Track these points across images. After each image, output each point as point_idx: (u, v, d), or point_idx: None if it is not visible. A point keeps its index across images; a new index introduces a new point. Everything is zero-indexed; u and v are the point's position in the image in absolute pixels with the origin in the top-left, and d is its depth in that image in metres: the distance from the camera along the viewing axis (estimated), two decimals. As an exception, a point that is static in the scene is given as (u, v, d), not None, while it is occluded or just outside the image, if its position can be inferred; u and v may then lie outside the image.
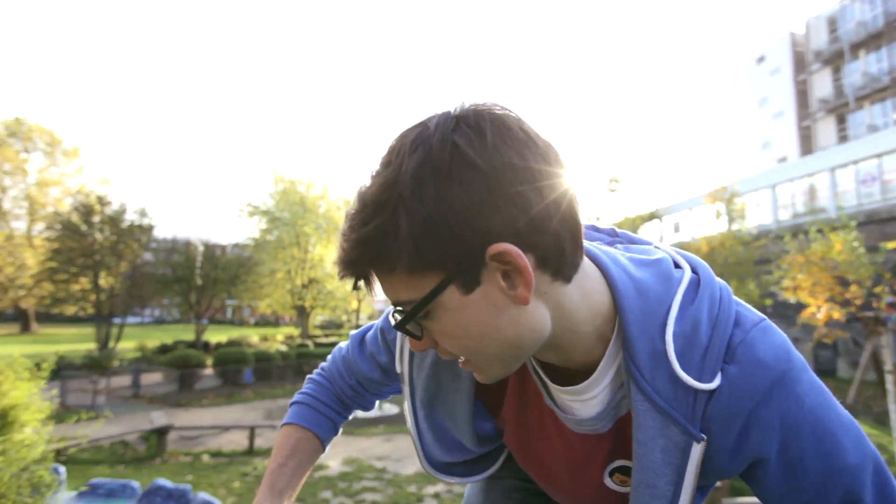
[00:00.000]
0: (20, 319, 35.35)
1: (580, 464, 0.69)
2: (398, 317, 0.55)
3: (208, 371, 16.78)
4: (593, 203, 35.73)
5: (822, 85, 36.28)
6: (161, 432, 8.64)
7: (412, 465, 8.39)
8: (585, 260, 0.58)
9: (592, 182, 36.09)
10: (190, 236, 28.00)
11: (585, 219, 0.60)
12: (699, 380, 0.55)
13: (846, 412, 0.57)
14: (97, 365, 17.30)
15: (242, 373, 15.92)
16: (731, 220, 15.51)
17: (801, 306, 8.20)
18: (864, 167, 21.42)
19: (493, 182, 0.48)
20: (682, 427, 0.56)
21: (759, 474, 0.58)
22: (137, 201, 54.70)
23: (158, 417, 9.42)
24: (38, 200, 32.19)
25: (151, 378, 16.79)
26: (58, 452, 3.61)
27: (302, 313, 29.22)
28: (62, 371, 14.24)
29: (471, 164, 0.48)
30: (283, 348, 21.04)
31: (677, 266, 0.64)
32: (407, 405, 0.79)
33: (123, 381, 16.15)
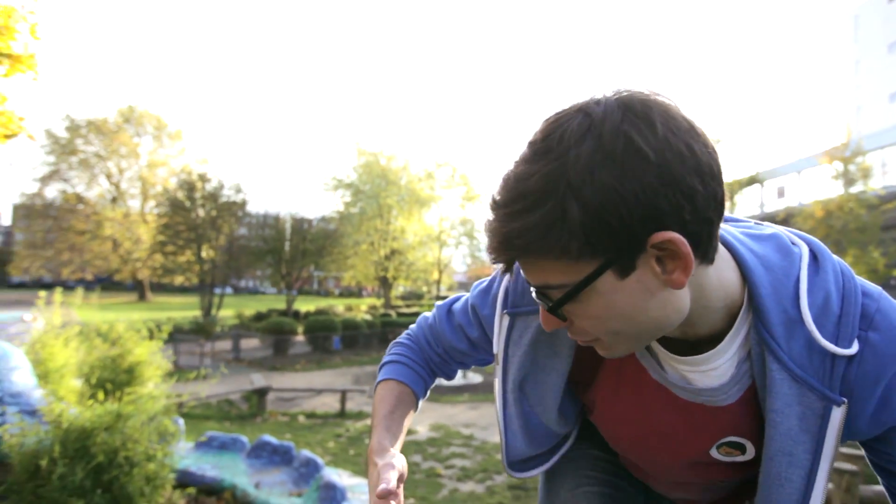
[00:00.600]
0: (137, 289, 39.19)
1: (689, 435, 0.69)
2: (545, 299, 0.56)
3: (300, 338, 17.69)
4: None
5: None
6: (261, 393, 9.16)
7: (498, 432, 8.33)
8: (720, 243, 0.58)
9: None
10: (280, 211, 29.44)
11: None
12: (837, 345, 0.57)
13: None
14: (202, 330, 18.77)
15: (331, 340, 16.61)
16: (852, 182, 13.78)
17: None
18: None
19: (663, 171, 0.48)
20: (820, 393, 0.58)
21: (893, 437, 0.60)
22: (232, 178, 58.44)
23: (258, 379, 9.99)
24: (148, 180, 35.26)
25: (249, 343, 17.97)
26: (178, 406, 3.83)
27: (384, 284, 30.06)
28: (174, 335, 15.57)
29: (643, 154, 0.48)
30: (368, 317, 21.77)
31: (792, 242, 0.65)
32: (497, 388, 0.79)
33: (225, 345, 17.42)
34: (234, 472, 3.99)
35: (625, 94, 0.52)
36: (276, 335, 15.99)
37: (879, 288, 0.61)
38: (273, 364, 14.63)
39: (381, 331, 18.61)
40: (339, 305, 32.26)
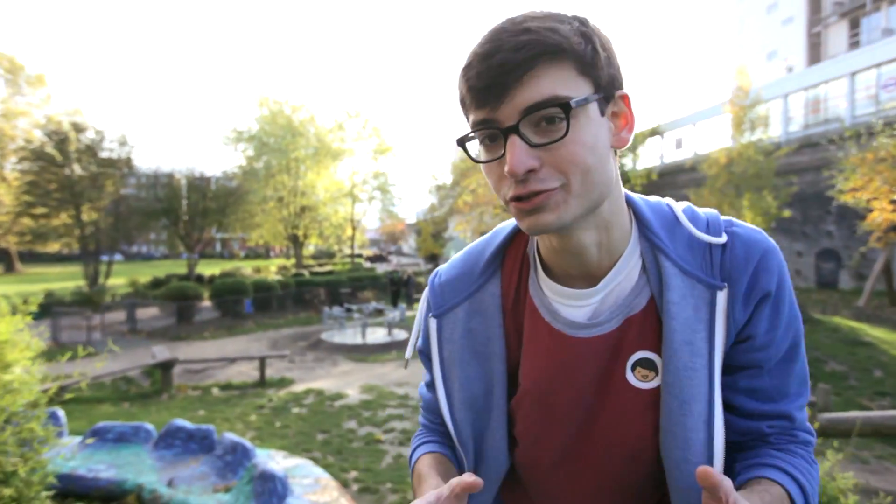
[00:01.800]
0: (3, 259, 34.30)
1: (604, 371, 0.70)
2: (543, 121, 0.58)
3: (206, 303, 16.22)
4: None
5: (836, -14, 34.03)
6: (165, 366, 8.10)
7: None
8: None
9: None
10: (174, 167, 26.45)
11: None
12: (712, 235, 0.67)
13: None
14: (89, 301, 16.67)
15: (242, 304, 15.37)
16: (752, 129, 14.57)
17: (856, 214, 7.57)
18: (886, 70, 20.28)
19: (613, 50, 0.63)
20: (706, 282, 0.65)
21: (757, 315, 0.65)
22: (116, 130, 51.90)
23: (161, 351, 8.85)
24: (5, 133, 30.19)
25: (147, 312, 16.21)
26: (59, 391, 2.93)
27: (295, 243, 28.50)
28: (52, 308, 13.56)
29: (600, 34, 0.62)
30: (280, 278, 20.49)
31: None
32: (444, 409, 0.77)
33: (118, 316, 15.57)
34: (139, 469, 3.23)
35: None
36: (178, 302, 14.46)
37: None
38: (177, 333, 13.26)
39: (296, 291, 17.54)
40: (246, 267, 30.26)
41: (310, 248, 48.41)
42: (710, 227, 0.68)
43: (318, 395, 7.77)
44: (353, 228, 32.87)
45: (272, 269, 31.96)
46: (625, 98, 0.63)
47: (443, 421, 0.81)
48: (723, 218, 0.70)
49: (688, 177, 23.41)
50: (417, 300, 20.56)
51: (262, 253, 61.42)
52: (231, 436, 3.49)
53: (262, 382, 8.46)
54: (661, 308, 0.67)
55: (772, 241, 0.67)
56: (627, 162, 32.97)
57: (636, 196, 0.72)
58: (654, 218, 0.69)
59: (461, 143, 0.63)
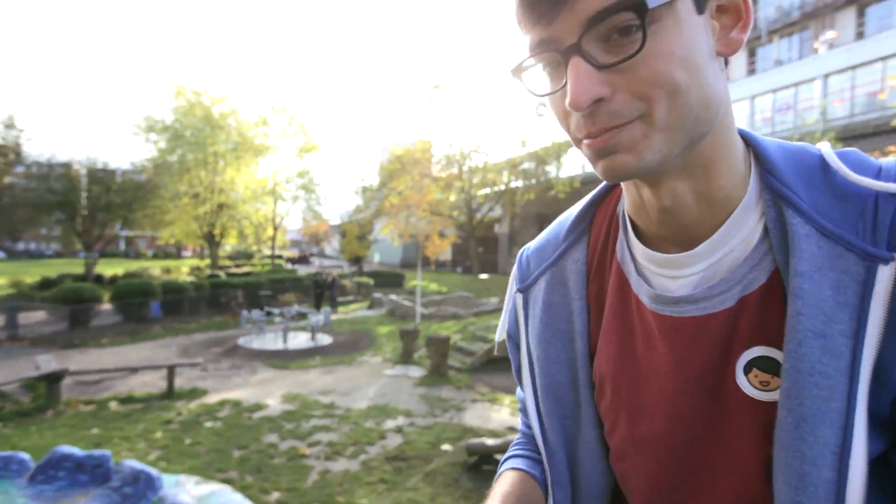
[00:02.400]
0: None
1: (705, 368, 0.51)
2: (614, 29, 0.42)
3: (106, 306, 14.68)
4: (520, 129, 35.29)
5: (735, 17, 37.00)
6: (52, 378, 7.08)
7: (362, 397, 7.61)
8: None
9: (520, 108, 35.39)
10: (72, 157, 23.86)
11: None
12: (884, 179, 0.46)
13: None
14: (-40, 304, 14.56)
15: (149, 307, 14.04)
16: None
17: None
18: (780, 96, 22.32)
19: None
20: (860, 250, 0.45)
21: None
22: (1, 112, 46.29)
23: (46, 361, 7.78)
24: None
25: (33, 317, 14.41)
26: None
27: (211, 242, 26.75)
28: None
29: None
30: (193, 279, 19.04)
31: None
32: (530, 401, 0.66)
33: (-3, 320, 13.71)
34: (7, 509, 2.64)
35: None
36: (72, 305, 12.93)
37: None
38: (70, 340, 11.84)
39: (211, 293, 16.34)
40: (154, 268, 28.01)
41: (226, 248, 45.87)
42: (882, 173, 0.47)
43: (235, 406, 7.12)
44: (275, 228, 31.43)
45: (184, 270, 29.83)
46: None
47: None
48: None
49: None
50: (342, 304, 19.97)
51: (173, 253, 57.40)
52: (132, 463, 2.96)
53: (171, 394, 7.64)
54: (787, 285, 0.47)
55: None
56: (552, 169, 34.11)
57: (750, 132, 0.53)
58: (784, 160, 0.50)
59: (517, 73, 0.49)
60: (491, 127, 34.85)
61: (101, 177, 21.90)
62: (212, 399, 7.49)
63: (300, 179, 30.66)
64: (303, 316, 14.13)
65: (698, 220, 0.51)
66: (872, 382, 0.44)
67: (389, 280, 25.47)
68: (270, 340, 11.90)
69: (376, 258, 53.49)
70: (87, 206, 21.81)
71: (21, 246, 54.79)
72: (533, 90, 0.49)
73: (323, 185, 31.88)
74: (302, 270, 31.97)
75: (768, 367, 0.49)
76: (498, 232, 41.49)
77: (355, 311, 18.35)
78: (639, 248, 0.56)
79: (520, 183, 34.03)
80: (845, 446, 0.44)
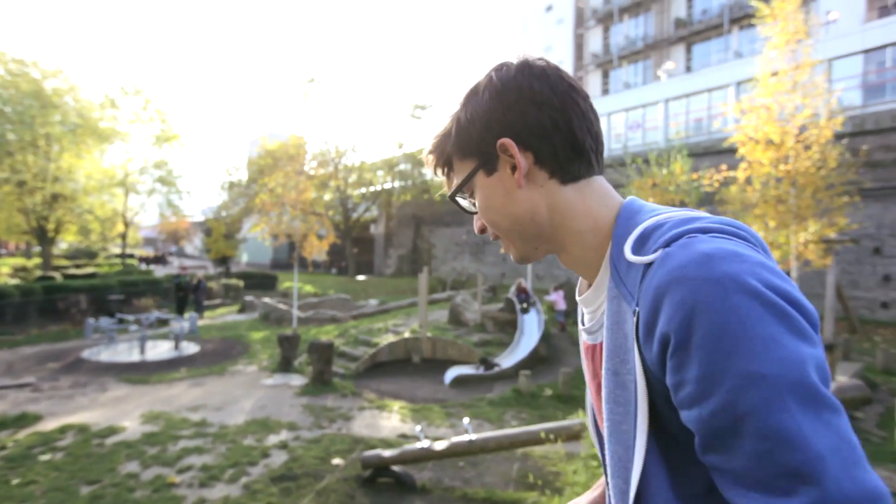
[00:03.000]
0: None
1: (597, 381, 0.71)
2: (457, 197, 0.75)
3: None
4: (396, 130, 35.30)
5: (594, 41, 40.83)
6: None
7: (238, 411, 6.99)
8: (606, 188, 0.70)
9: (396, 109, 35.43)
10: None
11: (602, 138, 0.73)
12: (640, 255, 0.59)
13: (783, 334, 0.48)
14: None
15: (-43, 316, 11.60)
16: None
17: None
18: (631, 115, 24.92)
19: (502, 98, 0.68)
20: (628, 298, 0.59)
21: (667, 362, 0.53)
22: None
23: None
24: None
25: None
26: None
27: (43, 238, 22.97)
28: None
29: (492, 85, 0.69)
30: (17, 282, 16.14)
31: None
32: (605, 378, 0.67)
33: None
34: None
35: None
36: None
37: (714, 232, 0.56)
38: None
39: (44, 298, 13.98)
40: (-37, 268, 23.39)
41: (61, 246, 39.72)
42: (652, 241, 0.59)
43: (81, 431, 6.11)
44: (126, 224, 27.95)
45: (4, 272, 25.27)
46: (505, 144, 0.67)
47: None
48: (694, 229, 0.57)
49: None
50: (209, 308, 18.31)
51: (-11, 250, 48.46)
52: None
53: (-9, 422, 6.34)
54: None
55: (725, 266, 0.50)
56: (428, 172, 34.60)
57: (636, 208, 0.67)
58: (620, 235, 0.65)
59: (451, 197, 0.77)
60: (367, 126, 34.40)
61: None
62: (48, 425, 6.36)
63: (157, 171, 27.58)
64: (163, 322, 12.69)
65: (587, 272, 0.71)
66: (664, 405, 0.56)
67: (261, 282, 23.96)
68: (124, 352, 10.47)
69: (244, 258, 50.07)
70: None
71: None
72: (469, 209, 0.76)
73: (184, 178, 28.88)
74: (160, 271, 28.79)
75: None
76: (374, 233, 41.13)
77: (224, 315, 16.94)
78: (581, 286, 0.76)
79: (396, 184, 34.05)
80: (630, 459, 0.59)
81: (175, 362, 9.95)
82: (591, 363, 0.72)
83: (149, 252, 55.58)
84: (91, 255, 41.79)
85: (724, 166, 7.82)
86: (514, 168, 0.68)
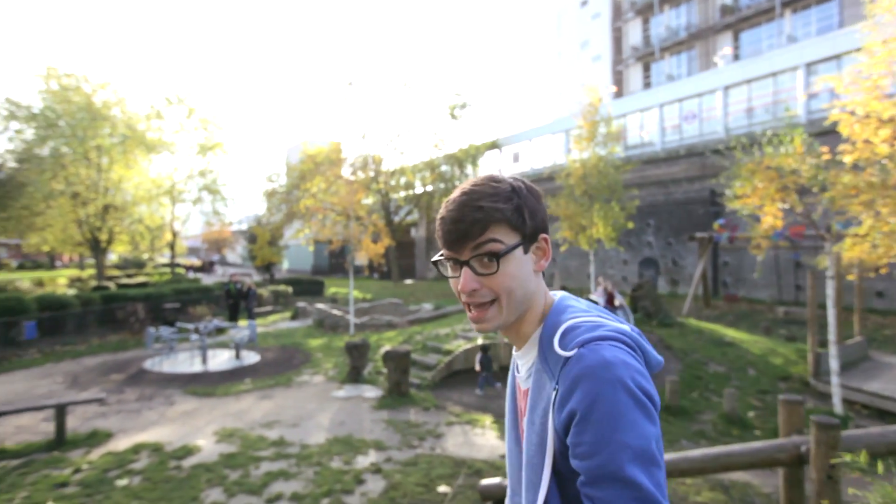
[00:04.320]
0: None
1: (521, 417, 1.00)
2: (484, 255, 0.90)
3: (-40, 329, 11.85)
4: (435, 131, 34.74)
5: (634, 33, 39.40)
6: None
7: (315, 427, 6.40)
8: (542, 281, 0.99)
9: (435, 109, 34.89)
10: None
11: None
12: (563, 349, 0.85)
13: (641, 419, 0.77)
14: None
15: (20, 327, 11.49)
16: (604, 143, 15.45)
17: (670, 227, 7.90)
18: (686, 105, 23.65)
19: (541, 203, 0.98)
20: (550, 379, 0.86)
21: (571, 428, 0.80)
22: None
23: None
24: None
25: None
26: None
27: (97, 249, 23.26)
28: None
29: (535, 192, 0.98)
30: (73, 292, 16.18)
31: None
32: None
33: None
34: None
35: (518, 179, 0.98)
36: None
37: (612, 340, 0.84)
38: None
39: (103, 308, 13.87)
40: (22, 280, 23.92)
41: (111, 257, 40.65)
42: (573, 340, 0.84)
43: (155, 451, 5.61)
44: (174, 233, 28.21)
45: (61, 283, 25.77)
46: (545, 239, 0.97)
47: None
48: (599, 337, 0.83)
49: (544, 186, 24.53)
50: (260, 315, 18.04)
51: (45, 263, 50.26)
52: None
53: (61, 442, 5.92)
54: None
55: (615, 371, 0.78)
56: (470, 172, 33.95)
57: (565, 306, 0.96)
58: (551, 325, 0.92)
59: (435, 262, 0.97)
60: (406, 127, 33.94)
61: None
62: (121, 444, 5.89)
63: (202, 179, 27.76)
64: (220, 331, 12.34)
65: (519, 340, 0.98)
66: (559, 446, 0.84)
67: (308, 288, 23.68)
68: (185, 362, 10.10)
69: (285, 265, 50.42)
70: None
71: None
72: (443, 272, 0.97)
73: (227, 185, 28.99)
74: (206, 280, 28.96)
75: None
76: (415, 236, 40.70)
77: (276, 322, 16.59)
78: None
79: (439, 185, 33.48)
80: (538, 481, 0.87)
81: (238, 373, 9.50)
82: (522, 401, 0.99)
83: (192, 261, 56.64)
84: (139, 264, 42.73)
85: (825, 148, 6.88)
86: (536, 252, 0.96)
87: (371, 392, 7.93)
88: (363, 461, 5.32)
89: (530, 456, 0.89)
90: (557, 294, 1.00)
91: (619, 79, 41.69)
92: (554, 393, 0.83)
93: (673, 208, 22.67)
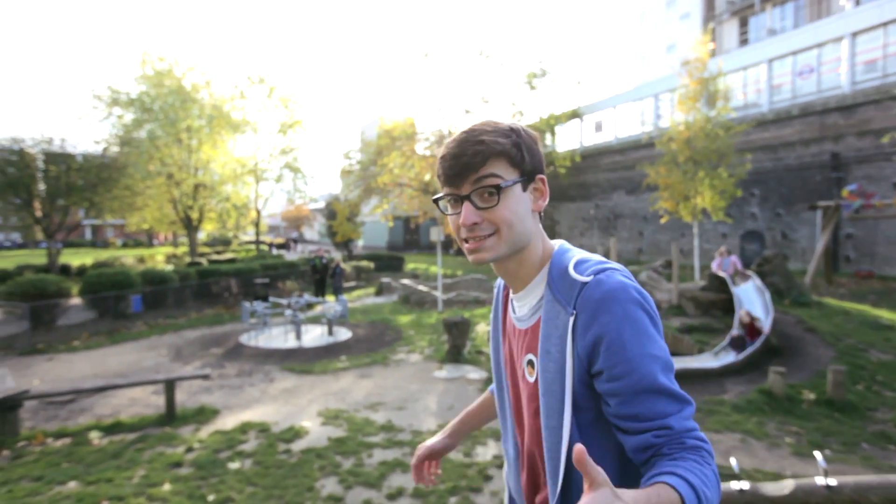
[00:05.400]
0: None
1: (516, 359, 1.05)
2: (486, 189, 0.93)
3: (75, 301, 12.56)
4: (512, 101, 33.42)
5: (730, -15, 35.69)
6: (7, 406, 5.18)
7: (423, 411, 5.93)
8: (541, 227, 1.04)
9: (511, 79, 33.49)
10: (23, 138, 20.71)
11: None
12: (580, 275, 0.90)
13: (658, 334, 0.87)
14: None
15: (128, 301, 11.97)
16: (712, 102, 13.85)
17: (779, 196, 6.49)
18: (801, 58, 20.98)
19: (539, 149, 1.00)
20: (564, 307, 0.90)
21: (595, 352, 0.85)
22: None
23: (1, 377, 5.87)
24: None
25: (-12, 316, 12.22)
26: None
27: (189, 227, 24.37)
28: None
29: (534, 138, 1.01)
30: (170, 268, 16.88)
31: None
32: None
33: (-58, 322, 11.49)
34: None
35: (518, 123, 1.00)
36: (34, 301, 10.79)
37: (621, 270, 0.92)
38: (32, 344, 9.80)
39: (199, 283, 14.30)
40: (126, 257, 25.57)
41: (200, 235, 42.99)
42: (587, 268, 0.91)
43: (262, 432, 5.35)
44: (258, 211, 29.12)
45: (159, 259, 27.39)
46: (542, 180, 1.00)
47: None
48: (610, 267, 0.91)
49: (640, 154, 22.95)
50: (345, 291, 18.12)
51: (144, 241, 54.14)
52: None
53: (171, 417, 5.81)
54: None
55: (632, 293, 0.86)
56: (548, 143, 32.49)
57: (567, 248, 1.02)
58: (558, 263, 0.97)
59: (436, 200, 1.00)
60: (482, 98, 32.86)
61: (59, 156, 19.25)
62: (227, 422, 5.69)
63: (284, 157, 28.33)
64: (310, 306, 12.28)
65: (517, 284, 1.02)
66: (577, 371, 0.88)
67: (388, 263, 23.63)
68: (278, 337, 10.05)
69: (360, 242, 51.34)
70: (46, 188, 19.23)
71: (-25, 237, 50.66)
72: (443, 210, 1.00)
73: (308, 163, 29.53)
74: (288, 256, 29.79)
75: (532, 364, 0.98)
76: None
77: (361, 298, 16.52)
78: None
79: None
80: (561, 406, 0.90)
81: (332, 349, 9.28)
82: (518, 341, 1.03)
83: (272, 238, 59.04)
84: (226, 242, 44.88)
85: None
86: (533, 192, 0.99)
87: (475, 373, 7.39)
88: (484, 453, 4.76)
89: (548, 383, 0.92)
90: (556, 242, 1.04)
91: (710, 38, 38.17)
92: (571, 318, 0.88)
93: (783, 175, 20.36)
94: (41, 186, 19.30)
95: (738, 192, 13.96)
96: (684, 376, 6.78)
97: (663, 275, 13.08)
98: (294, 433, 5.27)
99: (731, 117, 13.81)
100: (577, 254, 0.97)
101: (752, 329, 7.40)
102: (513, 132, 0.96)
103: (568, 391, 0.87)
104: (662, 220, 15.43)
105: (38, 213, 19.31)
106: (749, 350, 6.99)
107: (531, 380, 0.96)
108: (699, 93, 13.90)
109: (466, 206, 0.93)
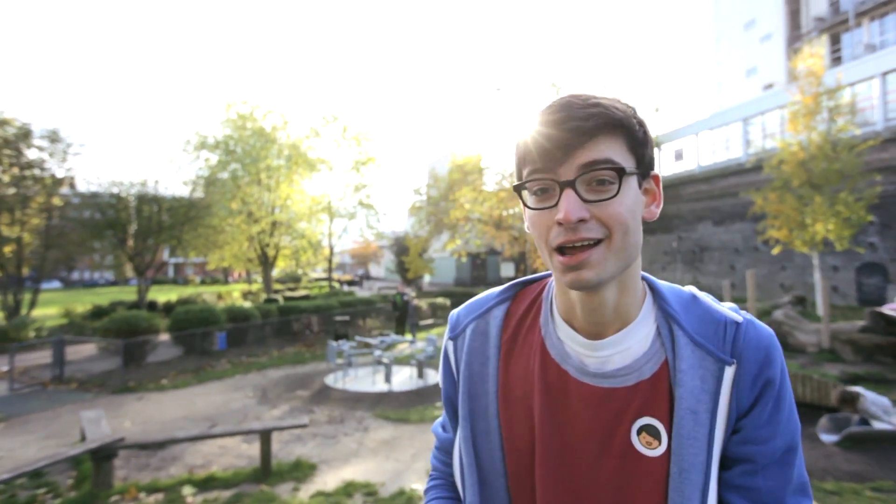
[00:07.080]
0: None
1: (609, 426, 0.70)
2: (601, 172, 0.65)
3: (163, 338, 12.63)
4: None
5: (816, 2, 33.72)
6: (102, 455, 4.78)
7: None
8: None
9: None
10: (122, 181, 21.93)
11: None
12: (733, 312, 0.71)
13: None
14: (4, 338, 12.79)
15: (213, 338, 11.88)
16: (831, 119, 12.43)
17: None
18: (921, 71, 18.86)
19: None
20: (716, 356, 0.68)
21: (760, 402, 0.68)
22: (45, 125, 46.10)
23: (93, 420, 5.53)
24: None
25: (83, 351, 12.50)
26: None
27: (265, 264, 24.83)
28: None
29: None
30: (249, 304, 16.95)
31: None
32: (458, 440, 0.81)
33: (43, 357, 11.80)
34: None
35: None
36: (126, 337, 10.86)
37: None
38: (123, 382, 9.71)
39: (280, 320, 14.12)
40: (207, 293, 26.37)
41: (273, 272, 44.26)
42: (727, 307, 0.73)
43: (370, 495, 4.62)
44: (331, 248, 29.46)
45: (235, 295, 28.09)
46: (656, 178, 0.72)
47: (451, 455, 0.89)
48: (736, 306, 0.73)
49: (744, 179, 21.38)
50: (423, 328, 17.54)
51: (220, 279, 56.58)
52: None
53: (268, 471, 5.21)
54: (672, 377, 0.69)
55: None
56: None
57: (647, 275, 0.77)
58: (669, 292, 0.74)
59: (518, 189, 0.69)
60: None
61: (151, 195, 20.22)
62: (328, 480, 5.02)
63: (357, 194, 28.67)
64: (391, 346, 11.69)
65: (609, 321, 0.71)
66: (725, 439, 0.68)
67: (461, 299, 22.86)
68: (365, 378, 9.45)
69: (427, 278, 51.15)
70: (138, 227, 20.16)
71: (76, 275, 54.89)
72: (526, 203, 0.69)
73: (380, 199, 29.76)
74: (359, 293, 29.79)
75: (652, 432, 0.69)
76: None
77: (441, 336, 15.82)
78: (565, 330, 0.74)
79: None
80: (705, 484, 0.66)
81: (423, 394, 8.55)
82: (599, 409, 0.71)
83: (340, 275, 60.08)
84: (296, 279, 45.96)
85: None
86: (646, 193, 0.72)
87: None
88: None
89: (692, 455, 0.67)
90: None
91: (823, 49, 36.04)
92: (731, 369, 0.68)
93: (906, 200, 18.09)
94: (134, 226, 20.24)
95: (869, 217, 12.29)
96: (862, 438, 5.49)
97: (801, 313, 11.51)
98: (406, 499, 4.51)
99: (852, 134, 12.29)
100: (671, 284, 0.78)
101: None
102: (629, 106, 0.71)
103: (715, 462, 0.68)
104: (774, 251, 13.86)
105: (130, 252, 20.22)
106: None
107: (653, 453, 0.69)
108: (815, 109, 12.52)
109: (569, 195, 0.65)
